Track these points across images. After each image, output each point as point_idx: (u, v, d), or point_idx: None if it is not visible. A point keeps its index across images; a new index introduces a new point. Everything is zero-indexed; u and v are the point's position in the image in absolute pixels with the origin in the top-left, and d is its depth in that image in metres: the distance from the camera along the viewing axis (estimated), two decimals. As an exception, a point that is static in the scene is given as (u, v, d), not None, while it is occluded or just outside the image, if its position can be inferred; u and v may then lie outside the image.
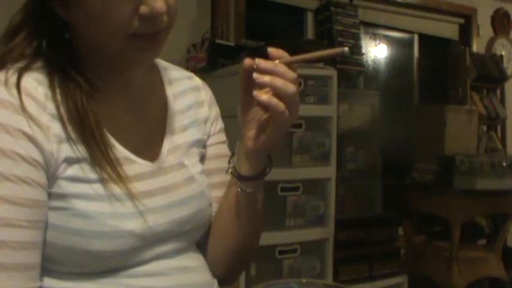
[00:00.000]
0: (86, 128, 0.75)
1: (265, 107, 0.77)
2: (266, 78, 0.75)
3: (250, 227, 0.90)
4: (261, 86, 0.76)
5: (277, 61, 0.77)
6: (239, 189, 0.85)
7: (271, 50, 0.78)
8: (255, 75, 0.76)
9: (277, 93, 0.75)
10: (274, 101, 0.75)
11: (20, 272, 0.68)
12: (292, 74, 0.76)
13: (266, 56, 0.77)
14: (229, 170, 0.86)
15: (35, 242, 0.70)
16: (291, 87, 0.76)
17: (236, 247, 0.91)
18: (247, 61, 0.77)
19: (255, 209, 0.88)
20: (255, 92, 0.76)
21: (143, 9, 0.72)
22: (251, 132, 0.81)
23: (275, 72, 0.75)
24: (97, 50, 0.78)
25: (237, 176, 0.85)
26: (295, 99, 0.77)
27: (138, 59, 0.79)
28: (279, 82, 0.75)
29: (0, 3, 1.73)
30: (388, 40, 3.79)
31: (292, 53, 0.79)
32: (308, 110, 2.37)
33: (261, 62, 0.76)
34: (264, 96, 0.75)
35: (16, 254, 0.68)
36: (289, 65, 0.77)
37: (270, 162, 0.85)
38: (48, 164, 0.72)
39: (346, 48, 0.76)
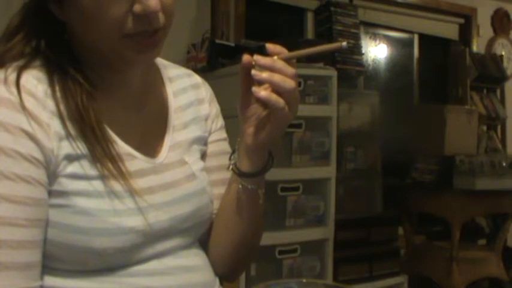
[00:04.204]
0: (87, 125, 0.74)
1: (265, 103, 0.77)
2: (264, 75, 0.75)
3: (252, 223, 0.90)
4: (260, 83, 0.76)
5: (275, 57, 0.77)
6: (240, 186, 0.85)
7: (270, 46, 0.78)
8: (253, 72, 0.76)
9: (276, 89, 0.75)
10: (274, 97, 0.75)
11: (20, 271, 0.68)
12: (291, 70, 0.76)
13: (266, 55, 0.78)
14: (230, 167, 0.86)
15: (35, 241, 0.70)
16: (290, 83, 0.76)
17: (238, 244, 0.91)
18: (246, 58, 0.77)
19: (257, 205, 0.87)
20: (254, 88, 0.76)
21: (137, 8, 0.71)
22: (251, 129, 0.81)
23: (274, 68, 0.75)
24: (94, 50, 0.77)
25: (238, 173, 0.85)
26: (294, 94, 0.77)
27: (135, 59, 0.79)
28: (277, 78, 0.75)
29: (0, 3, 1.73)
30: (388, 40, 3.79)
31: (291, 52, 0.79)
32: (308, 110, 2.37)
33: (259, 59, 0.76)
34: (263, 92, 0.75)
35: (16, 253, 0.67)
36: (288, 60, 0.77)
37: (270, 158, 0.85)
38: (49, 162, 0.71)
39: (345, 43, 0.76)
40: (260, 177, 0.85)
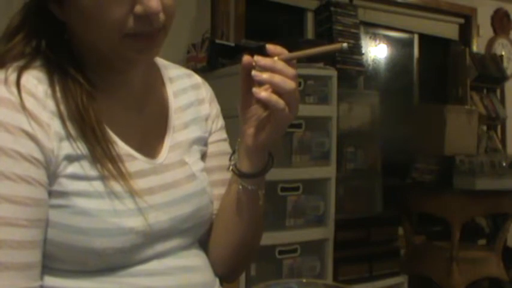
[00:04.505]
0: (87, 125, 0.74)
1: (265, 104, 0.77)
2: (265, 76, 0.75)
3: (252, 224, 0.90)
4: (261, 83, 0.76)
5: (276, 58, 0.77)
6: (240, 187, 0.85)
7: (270, 47, 0.78)
8: (253, 72, 0.76)
9: (276, 90, 0.75)
10: (274, 98, 0.75)
11: (20, 272, 0.68)
12: (291, 71, 0.76)
13: (266, 56, 0.78)
14: (230, 168, 0.86)
15: (35, 241, 0.70)
16: (290, 84, 0.76)
17: (237, 245, 0.91)
18: (246, 58, 0.77)
19: (257, 206, 0.87)
20: (254, 89, 0.76)
21: (138, 8, 0.71)
22: (251, 130, 0.81)
23: (274, 69, 0.75)
24: (94, 50, 0.77)
25: (238, 173, 0.85)
26: (294, 95, 0.77)
27: (136, 59, 0.79)
28: (278, 79, 0.75)
29: (0, 3, 1.73)
30: (388, 40, 3.79)
31: (292, 52, 0.79)
32: (308, 110, 2.37)
33: (259, 59, 0.76)
34: (263, 93, 0.75)
35: (16, 253, 0.68)
36: (288, 61, 0.77)
37: (270, 159, 0.85)
38: (49, 162, 0.72)
39: (345, 44, 0.76)
40: (260, 178, 0.85)
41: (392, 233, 2.93)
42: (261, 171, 0.84)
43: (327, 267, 2.46)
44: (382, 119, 3.08)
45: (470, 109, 3.50)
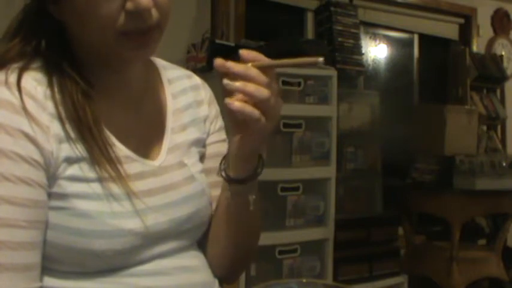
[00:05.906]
0: (84, 125, 0.74)
1: (239, 115, 0.72)
2: (237, 84, 0.71)
3: (243, 228, 0.88)
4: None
5: (249, 64, 0.73)
6: (229, 192, 0.83)
7: (243, 52, 0.73)
8: (225, 81, 0.72)
9: (250, 99, 0.71)
10: (248, 108, 0.71)
11: (20, 273, 0.68)
12: (263, 78, 0.72)
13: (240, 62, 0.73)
14: (220, 173, 0.84)
15: (35, 243, 0.70)
16: (264, 92, 0.71)
17: (233, 247, 0.90)
18: (219, 62, 0.73)
19: (246, 211, 0.85)
20: (227, 100, 0.71)
21: (129, 5, 0.71)
22: (236, 136, 0.79)
23: (247, 77, 0.71)
24: (91, 49, 0.77)
25: (227, 179, 0.83)
26: (270, 104, 0.73)
27: (131, 57, 0.78)
28: (251, 87, 0.71)
29: (0, 3, 1.73)
30: (388, 40, 3.79)
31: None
32: (308, 110, 2.37)
33: (232, 66, 0.72)
34: (236, 103, 0.71)
35: (15, 255, 0.68)
36: (263, 69, 0.73)
37: (260, 164, 0.82)
38: (48, 164, 0.72)
39: (321, 59, 0.71)
40: (250, 183, 0.82)
41: (392, 233, 2.94)
42: (249, 177, 0.81)
43: (327, 267, 2.46)
44: (382, 119, 3.08)
45: (470, 109, 3.50)
